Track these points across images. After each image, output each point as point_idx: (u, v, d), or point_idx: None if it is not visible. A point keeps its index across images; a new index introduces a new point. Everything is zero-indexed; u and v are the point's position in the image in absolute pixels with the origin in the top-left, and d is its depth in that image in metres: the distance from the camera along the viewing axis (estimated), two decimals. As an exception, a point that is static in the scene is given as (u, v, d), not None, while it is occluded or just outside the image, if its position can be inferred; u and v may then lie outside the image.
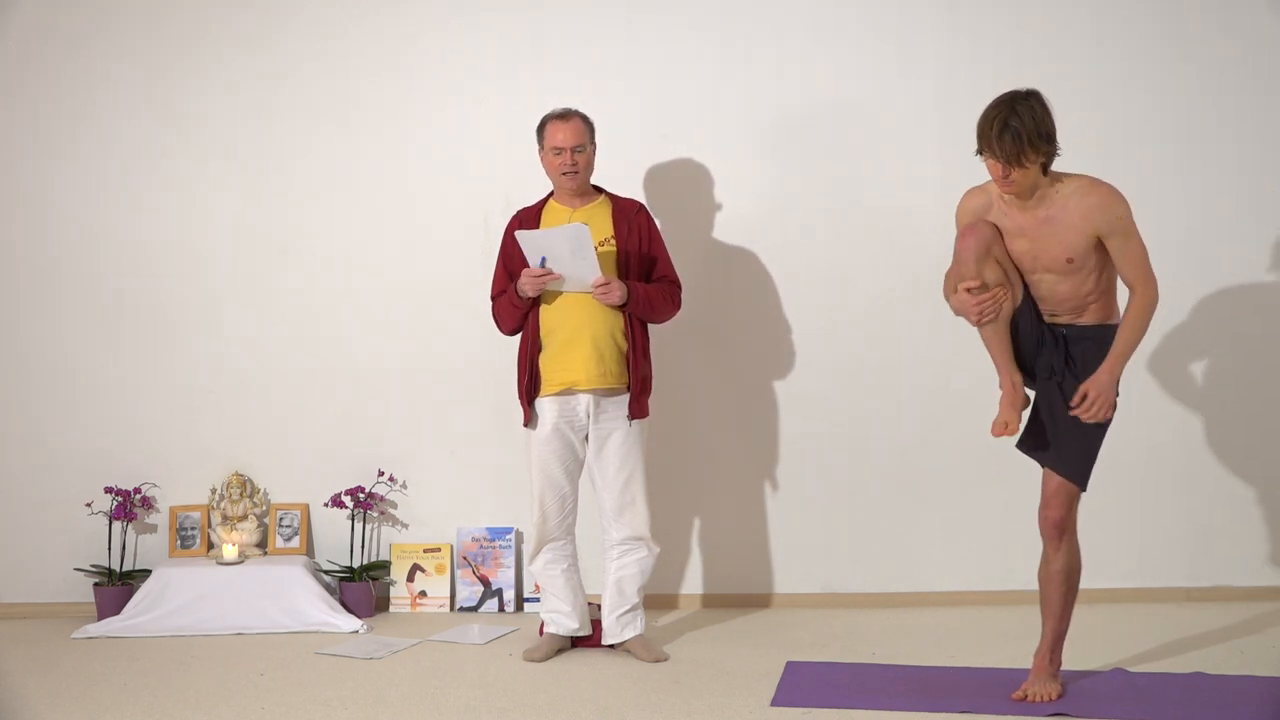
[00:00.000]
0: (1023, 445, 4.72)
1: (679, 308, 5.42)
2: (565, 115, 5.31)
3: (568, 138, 5.26)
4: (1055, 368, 4.57)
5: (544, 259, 5.11)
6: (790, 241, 6.15)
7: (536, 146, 5.36)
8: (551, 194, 5.41)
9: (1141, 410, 5.87)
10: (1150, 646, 5.27)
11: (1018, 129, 4.28)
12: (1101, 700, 4.58)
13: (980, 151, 4.38)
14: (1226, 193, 6.09)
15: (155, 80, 6.25)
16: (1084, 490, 4.60)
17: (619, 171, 5.78)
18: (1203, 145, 6.10)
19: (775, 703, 4.65)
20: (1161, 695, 4.65)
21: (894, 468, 6.16)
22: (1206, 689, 4.71)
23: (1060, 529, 4.58)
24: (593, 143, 5.34)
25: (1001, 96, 4.38)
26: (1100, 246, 4.43)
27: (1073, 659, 4.78)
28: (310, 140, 6.26)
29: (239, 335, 6.28)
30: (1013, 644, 5.26)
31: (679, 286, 5.41)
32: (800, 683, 4.90)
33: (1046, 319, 4.59)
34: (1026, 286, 4.57)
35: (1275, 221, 6.06)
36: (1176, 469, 6.10)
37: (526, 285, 5.18)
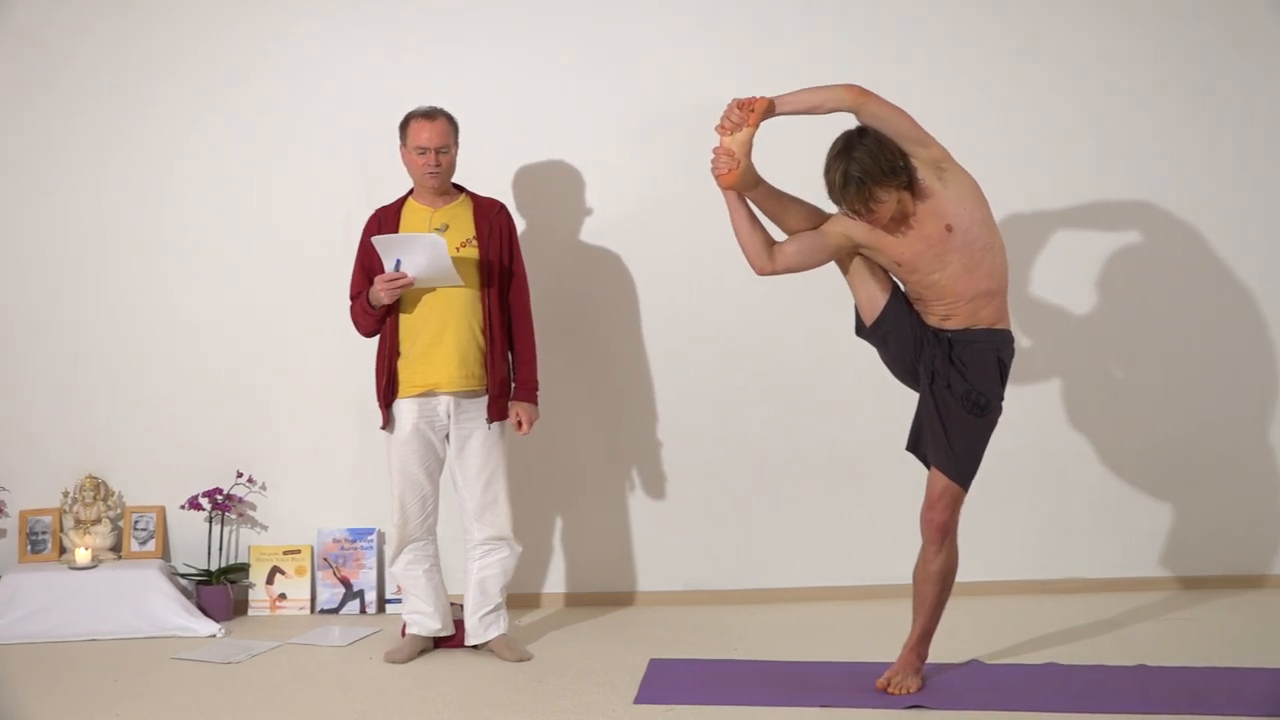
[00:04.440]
0: (911, 447, 4.79)
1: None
2: (431, 115, 5.22)
3: (433, 138, 5.18)
4: (938, 370, 4.60)
5: (398, 262, 5.04)
6: (652, 241, 6.16)
7: (398, 143, 5.28)
8: (411, 192, 5.35)
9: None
10: (1006, 638, 5.37)
11: (860, 176, 4.33)
12: (959, 692, 4.66)
13: (836, 204, 4.44)
14: (1093, 191, 6.22)
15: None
16: (965, 491, 4.66)
17: (483, 170, 5.76)
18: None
19: (639, 700, 4.67)
20: (1016, 686, 4.75)
21: (755, 465, 6.20)
22: (1059, 678, 4.82)
23: (943, 531, 4.64)
24: (456, 144, 5.28)
25: (834, 147, 4.43)
26: (971, 210, 4.46)
27: (932, 652, 4.84)
28: (164, 138, 6.15)
29: (92, 334, 6.16)
30: (873, 639, 5.32)
31: (531, 326, 5.37)
32: (663, 680, 4.92)
33: (939, 324, 4.62)
34: (908, 294, 4.65)
35: (1117, 207, 6.21)
36: (1029, 464, 6.20)
37: (381, 293, 5.08)
